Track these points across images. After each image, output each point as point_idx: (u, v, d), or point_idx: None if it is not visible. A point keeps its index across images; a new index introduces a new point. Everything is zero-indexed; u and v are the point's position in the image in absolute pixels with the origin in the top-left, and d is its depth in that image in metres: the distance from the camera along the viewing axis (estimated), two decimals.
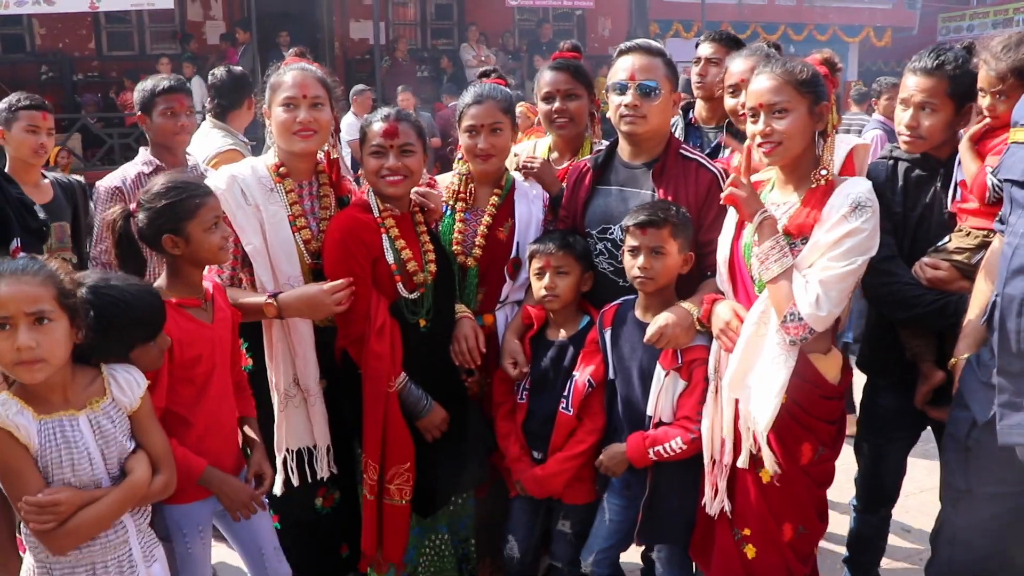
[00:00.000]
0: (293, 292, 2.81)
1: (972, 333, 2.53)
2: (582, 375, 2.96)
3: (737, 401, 2.63)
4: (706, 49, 3.84)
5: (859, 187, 2.50)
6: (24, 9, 12.55)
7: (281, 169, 2.91)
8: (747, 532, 2.66)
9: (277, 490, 2.95)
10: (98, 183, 3.79)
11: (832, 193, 2.51)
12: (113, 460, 2.20)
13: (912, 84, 2.84)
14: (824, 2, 19.28)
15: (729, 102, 3.29)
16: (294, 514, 3.05)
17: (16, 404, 2.06)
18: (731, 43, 3.79)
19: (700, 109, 3.85)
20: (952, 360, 2.59)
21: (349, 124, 10.74)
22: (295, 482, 2.96)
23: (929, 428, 3.11)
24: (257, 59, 13.07)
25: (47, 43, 14.91)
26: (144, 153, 3.87)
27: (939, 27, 18.16)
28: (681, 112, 4.02)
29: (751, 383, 2.54)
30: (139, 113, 3.88)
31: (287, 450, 2.95)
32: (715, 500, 2.72)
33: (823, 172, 2.53)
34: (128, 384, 2.25)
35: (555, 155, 3.55)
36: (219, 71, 4.55)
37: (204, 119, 4.60)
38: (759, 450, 2.58)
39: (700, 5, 16.46)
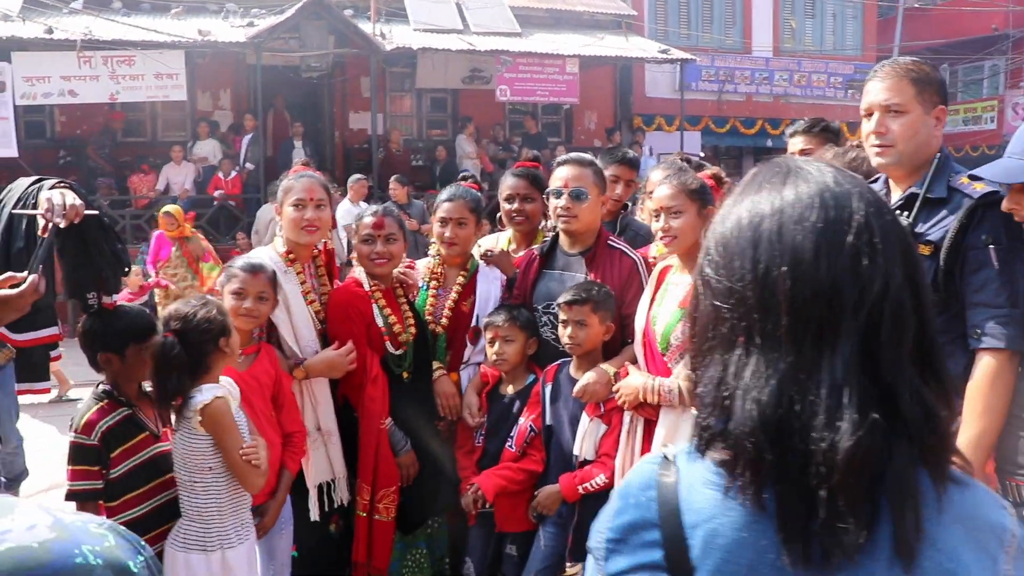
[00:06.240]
0: (316, 358, 3.54)
1: None
2: (525, 421, 3.65)
3: (647, 440, 3.33)
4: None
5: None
6: (51, 100, 13.55)
7: (290, 255, 3.62)
8: None
9: (314, 515, 3.61)
10: None
11: None
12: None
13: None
14: (800, 100, 20.29)
15: (650, 204, 4.07)
16: (313, 541, 3.66)
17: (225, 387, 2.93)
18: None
19: None
20: None
21: (346, 210, 11.32)
22: (316, 515, 3.60)
23: None
24: (262, 147, 14.00)
25: (66, 130, 15.83)
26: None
27: None
28: None
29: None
30: None
31: (315, 486, 3.61)
32: None
33: None
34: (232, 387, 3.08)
35: (513, 246, 4.30)
36: None
37: None
38: None
39: (680, 101, 17.52)
